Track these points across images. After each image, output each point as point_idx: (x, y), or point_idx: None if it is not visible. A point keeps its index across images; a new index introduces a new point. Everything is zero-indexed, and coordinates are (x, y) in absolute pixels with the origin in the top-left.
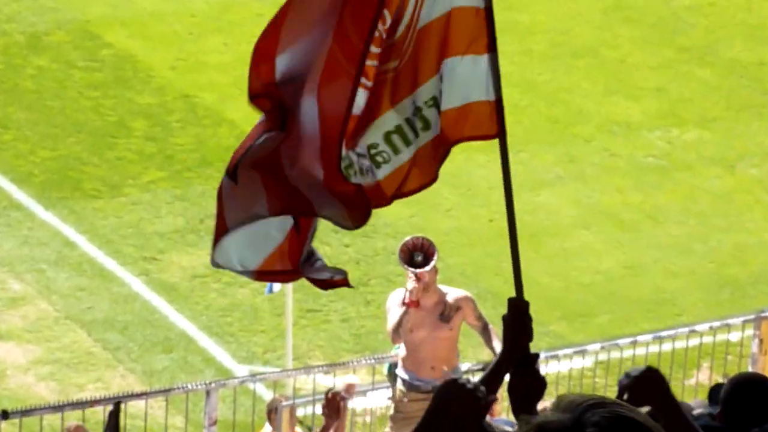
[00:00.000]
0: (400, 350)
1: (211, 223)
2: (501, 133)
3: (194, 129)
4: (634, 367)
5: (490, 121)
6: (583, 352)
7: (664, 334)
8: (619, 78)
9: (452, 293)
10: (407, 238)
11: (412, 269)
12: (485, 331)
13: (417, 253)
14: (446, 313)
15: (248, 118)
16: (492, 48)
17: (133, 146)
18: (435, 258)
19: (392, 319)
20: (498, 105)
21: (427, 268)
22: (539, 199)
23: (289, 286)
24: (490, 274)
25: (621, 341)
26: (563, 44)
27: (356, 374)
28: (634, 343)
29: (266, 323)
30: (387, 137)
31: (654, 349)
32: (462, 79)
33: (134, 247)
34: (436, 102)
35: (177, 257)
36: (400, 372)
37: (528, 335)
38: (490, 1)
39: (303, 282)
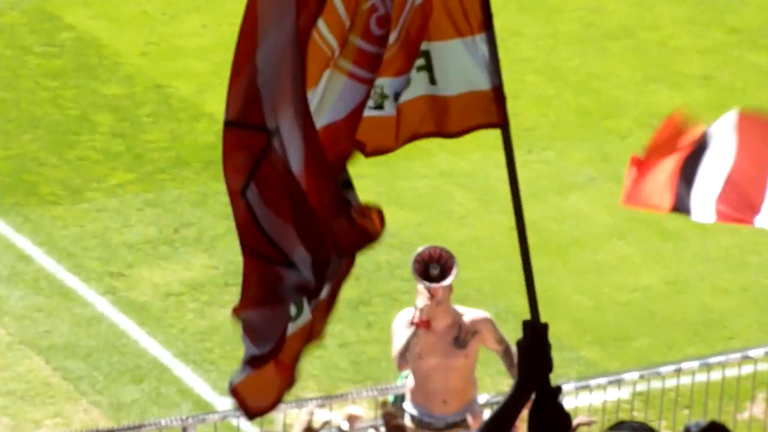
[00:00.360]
0: (407, 381)
1: (187, 232)
2: (503, 124)
3: (168, 124)
4: (696, 421)
5: (491, 111)
6: (618, 382)
7: (712, 360)
8: (660, 64)
9: (468, 314)
10: (422, 247)
11: (427, 283)
12: (507, 355)
13: (434, 266)
14: (461, 337)
15: None
16: (488, 25)
17: (97, 144)
18: (454, 272)
19: (398, 343)
20: (498, 92)
21: (445, 283)
22: (568, 205)
23: None
24: (511, 292)
25: (663, 369)
26: (595, 25)
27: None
28: (678, 372)
29: None
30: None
31: (701, 378)
32: (455, 66)
33: (99, 261)
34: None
35: (148, 272)
36: (407, 406)
37: (546, 363)
38: None
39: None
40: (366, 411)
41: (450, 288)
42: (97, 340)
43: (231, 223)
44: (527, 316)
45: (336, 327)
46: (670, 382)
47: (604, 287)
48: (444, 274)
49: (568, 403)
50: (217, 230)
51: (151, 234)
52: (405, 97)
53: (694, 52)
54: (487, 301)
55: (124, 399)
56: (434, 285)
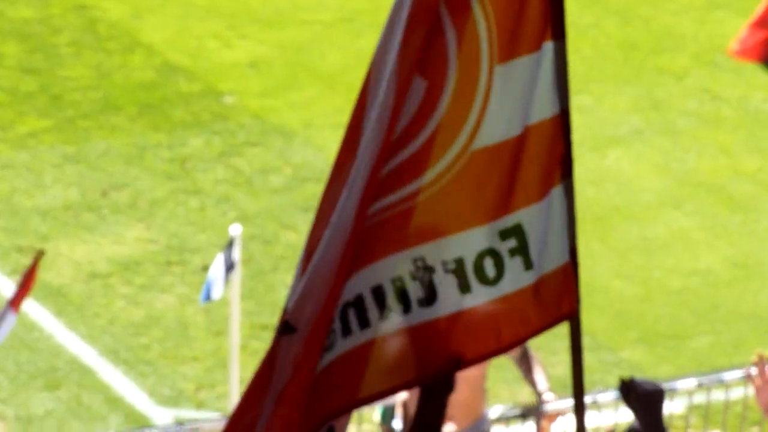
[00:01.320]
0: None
1: (118, 196)
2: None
3: (93, 56)
4: None
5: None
6: (671, 392)
7: None
8: None
9: None
10: None
11: None
12: (524, 360)
13: None
14: None
15: (172, 41)
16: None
17: (2, 82)
18: None
19: None
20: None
21: None
22: (607, 164)
23: (236, 290)
24: None
25: (727, 375)
26: None
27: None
28: (747, 380)
29: (201, 346)
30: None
31: None
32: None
33: (4, 232)
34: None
35: (67, 247)
36: (398, 425)
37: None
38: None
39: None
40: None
41: None
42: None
43: (174, 185)
44: None
45: None
46: (736, 392)
47: (653, 271)
48: None
49: (606, 417)
50: (156, 193)
51: (71, 198)
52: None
53: None
54: None
55: (36, 410)
56: None
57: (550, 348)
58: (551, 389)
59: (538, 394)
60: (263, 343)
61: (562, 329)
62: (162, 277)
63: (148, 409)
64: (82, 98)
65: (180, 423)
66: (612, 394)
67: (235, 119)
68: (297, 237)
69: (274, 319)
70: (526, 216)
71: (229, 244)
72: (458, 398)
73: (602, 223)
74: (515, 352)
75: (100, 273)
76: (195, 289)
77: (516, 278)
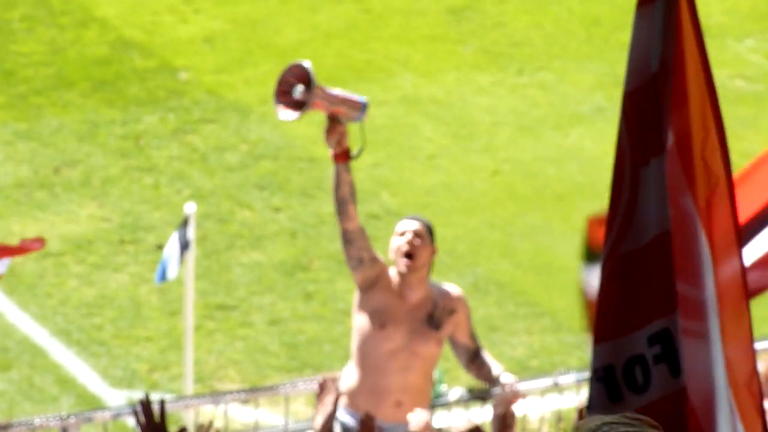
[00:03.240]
0: (346, 371)
1: (71, 173)
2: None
3: (47, 32)
4: None
5: None
6: None
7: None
8: None
9: (441, 288)
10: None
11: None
12: (476, 359)
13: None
14: (436, 315)
15: (127, 16)
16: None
17: None
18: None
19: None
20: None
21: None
22: (570, 142)
23: (190, 269)
24: (494, 255)
25: None
26: None
27: (293, 405)
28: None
29: (155, 326)
30: None
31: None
32: None
33: None
34: None
35: (19, 225)
36: (340, 413)
37: None
38: None
39: (210, 266)
40: (302, 409)
41: (432, 250)
42: None
43: (127, 162)
44: (516, 286)
45: (265, 298)
46: None
47: None
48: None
49: (568, 400)
50: (110, 171)
51: (23, 175)
52: None
53: None
54: (462, 266)
55: None
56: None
57: (510, 329)
58: (510, 371)
59: (494, 379)
60: (218, 323)
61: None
62: (115, 256)
63: (100, 390)
64: (35, 74)
65: (133, 404)
66: (573, 377)
67: (190, 95)
68: (252, 215)
69: (228, 299)
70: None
71: (184, 223)
72: (411, 381)
73: (564, 201)
74: (463, 358)
75: (53, 252)
76: (149, 269)
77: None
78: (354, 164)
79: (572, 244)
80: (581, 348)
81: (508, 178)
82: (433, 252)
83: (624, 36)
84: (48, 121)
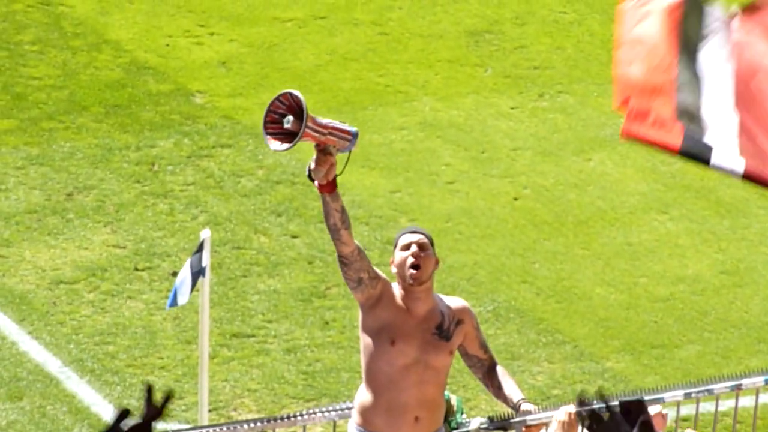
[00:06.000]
0: (358, 393)
1: (84, 199)
2: None
3: (59, 55)
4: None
5: None
6: (657, 403)
7: None
8: None
9: (448, 301)
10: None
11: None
12: (491, 374)
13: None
14: (446, 326)
15: (140, 39)
16: None
17: None
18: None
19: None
20: None
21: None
22: (591, 167)
23: (206, 296)
24: (515, 281)
25: (716, 386)
26: None
27: None
28: (738, 390)
29: (169, 354)
30: None
31: (767, 398)
32: None
33: None
34: None
35: (31, 252)
36: (352, 428)
37: None
38: None
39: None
40: None
41: (436, 260)
42: None
43: (142, 187)
44: (534, 313)
45: (282, 325)
46: (727, 404)
47: (638, 277)
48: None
49: None
50: (123, 196)
51: (35, 201)
52: None
53: None
54: (482, 293)
55: None
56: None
57: (531, 357)
58: (531, 400)
59: (515, 407)
60: (233, 352)
61: (543, 337)
62: (129, 283)
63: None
64: (47, 98)
65: None
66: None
67: (205, 120)
68: (269, 242)
69: (244, 327)
70: None
71: (199, 249)
72: (428, 395)
73: (585, 228)
74: (477, 372)
75: (66, 279)
76: (163, 296)
77: None
78: (372, 190)
79: (594, 270)
80: (603, 376)
81: (529, 203)
82: (437, 262)
83: None
84: (60, 145)
